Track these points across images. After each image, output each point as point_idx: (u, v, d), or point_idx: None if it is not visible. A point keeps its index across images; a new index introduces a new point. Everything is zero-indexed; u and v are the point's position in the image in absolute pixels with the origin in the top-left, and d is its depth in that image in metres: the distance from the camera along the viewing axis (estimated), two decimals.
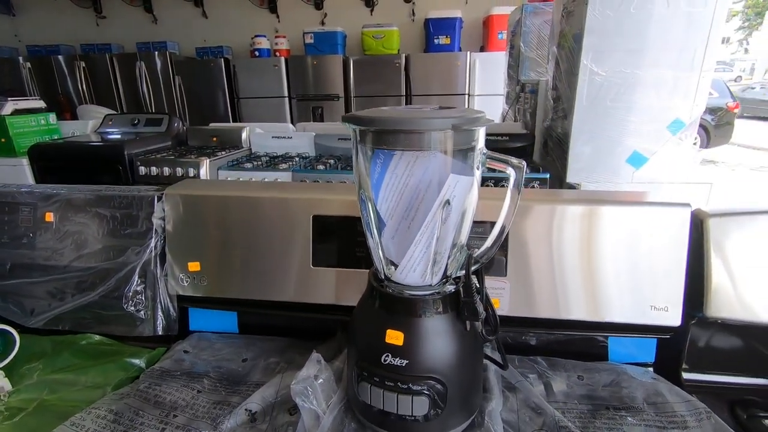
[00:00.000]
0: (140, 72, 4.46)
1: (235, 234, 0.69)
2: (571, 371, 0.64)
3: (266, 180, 2.35)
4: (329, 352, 0.67)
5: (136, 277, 0.68)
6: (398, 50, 4.74)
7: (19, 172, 2.40)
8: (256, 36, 4.60)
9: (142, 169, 2.40)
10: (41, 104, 2.61)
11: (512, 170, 0.44)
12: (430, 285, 0.49)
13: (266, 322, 0.75)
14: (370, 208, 0.47)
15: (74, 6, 4.93)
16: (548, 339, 0.69)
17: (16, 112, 2.42)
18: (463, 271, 0.48)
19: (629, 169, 1.70)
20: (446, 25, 4.75)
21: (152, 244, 0.68)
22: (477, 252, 0.48)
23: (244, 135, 2.83)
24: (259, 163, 2.50)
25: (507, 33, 3.69)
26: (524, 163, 0.43)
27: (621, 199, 0.62)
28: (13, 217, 0.73)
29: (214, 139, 2.84)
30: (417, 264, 0.47)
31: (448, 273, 0.49)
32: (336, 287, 0.68)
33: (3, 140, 2.38)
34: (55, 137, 2.64)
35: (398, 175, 0.44)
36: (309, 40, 4.64)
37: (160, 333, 0.69)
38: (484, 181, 2.17)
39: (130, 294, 0.68)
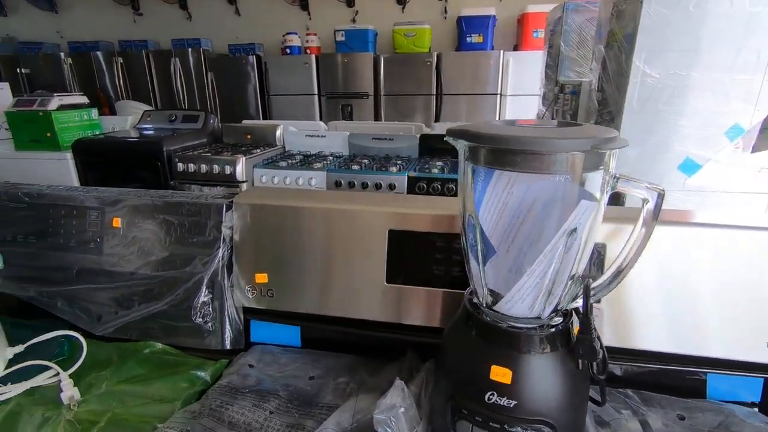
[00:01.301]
0: (175, 68, 4.53)
1: (306, 246, 0.66)
2: (668, 408, 0.59)
3: (300, 179, 2.34)
4: (399, 374, 0.64)
5: (203, 288, 0.66)
6: (429, 48, 4.68)
7: (63, 166, 2.45)
8: (287, 33, 4.62)
9: (180, 166, 2.42)
10: (84, 100, 2.66)
11: (649, 195, 0.39)
12: (539, 317, 0.45)
13: (330, 337, 0.72)
14: (477, 232, 0.43)
15: (113, 3, 5.05)
16: (637, 370, 0.63)
17: (61, 108, 2.48)
18: (575, 304, 0.43)
19: (679, 176, 1.61)
20: (479, 23, 4.66)
21: (220, 254, 0.66)
22: (593, 285, 0.43)
23: (278, 133, 2.83)
24: (294, 161, 2.49)
25: (545, 31, 3.58)
26: (663, 189, 0.38)
27: (736, 223, 0.56)
28: (81, 222, 0.72)
29: (249, 136, 2.85)
30: (527, 295, 0.43)
31: (559, 305, 0.45)
32: (410, 306, 0.65)
33: (48, 135, 2.44)
34: (97, 132, 2.69)
35: (516, 199, 0.40)
36: (340, 37, 4.62)
37: (227, 347, 0.67)
38: None
39: (198, 305, 0.66)
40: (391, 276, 0.64)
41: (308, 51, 4.68)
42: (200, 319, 0.66)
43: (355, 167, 2.42)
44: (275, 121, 3.04)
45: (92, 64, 4.57)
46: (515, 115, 4.43)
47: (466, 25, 4.55)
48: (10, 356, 0.65)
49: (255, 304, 0.68)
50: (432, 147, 2.64)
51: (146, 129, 2.83)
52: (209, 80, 4.55)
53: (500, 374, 0.43)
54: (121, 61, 4.54)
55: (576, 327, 0.45)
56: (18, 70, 4.60)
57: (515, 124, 0.44)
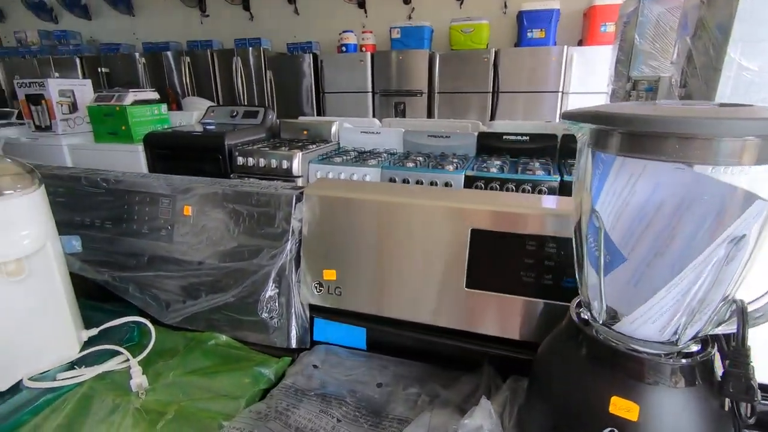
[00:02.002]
0: (236, 67, 4.71)
1: (378, 243, 0.61)
2: None
3: (355, 175, 2.32)
4: (477, 390, 0.57)
5: (271, 282, 0.63)
6: (487, 45, 4.53)
7: (135, 158, 2.60)
8: (343, 32, 4.66)
9: (240, 159, 2.49)
10: (155, 96, 2.81)
11: None
12: (672, 343, 0.37)
13: (399, 342, 0.67)
14: (601, 237, 0.36)
15: (183, 6, 5.34)
16: None
17: (135, 103, 2.63)
18: (723, 329, 0.35)
19: None
20: (541, 18, 4.45)
21: (288, 248, 0.63)
22: (752, 307, 0.35)
23: (333, 129, 2.84)
24: (348, 157, 2.48)
25: (617, 24, 3.33)
26: None
27: None
28: (154, 209, 0.72)
29: (305, 132, 2.88)
30: (662, 314, 0.35)
31: (700, 331, 0.37)
32: (490, 315, 0.58)
33: (123, 128, 2.60)
34: (166, 126, 2.83)
35: (658, 197, 0.32)
36: (395, 35, 4.59)
37: (293, 346, 0.64)
38: (563, 188, 1.94)
39: (265, 299, 0.63)
40: (471, 280, 0.58)
41: (363, 49, 4.69)
42: (266, 314, 0.63)
43: (410, 164, 2.37)
44: (331, 117, 3.05)
45: (162, 63, 4.86)
46: None
47: (527, 20, 4.36)
48: (85, 339, 0.66)
49: (321, 302, 0.65)
50: (490, 145, 2.53)
51: (209, 124, 2.94)
52: (268, 78, 4.69)
53: (624, 408, 0.35)
54: (188, 60, 4.79)
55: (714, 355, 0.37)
56: (99, 69, 4.99)
57: (655, 104, 0.36)
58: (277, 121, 2.98)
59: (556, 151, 2.39)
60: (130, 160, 2.60)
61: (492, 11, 4.78)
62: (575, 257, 0.41)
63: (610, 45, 3.90)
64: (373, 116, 4.60)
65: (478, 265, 0.57)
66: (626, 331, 0.38)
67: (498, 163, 2.25)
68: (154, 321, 0.70)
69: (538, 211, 0.54)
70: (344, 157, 2.49)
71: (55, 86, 2.70)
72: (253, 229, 0.66)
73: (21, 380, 0.58)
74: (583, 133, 0.36)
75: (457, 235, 0.57)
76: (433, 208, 0.58)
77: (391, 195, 0.61)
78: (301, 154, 2.43)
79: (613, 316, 0.39)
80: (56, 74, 4.87)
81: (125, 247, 0.74)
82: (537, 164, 2.18)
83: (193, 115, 3.05)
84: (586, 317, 0.41)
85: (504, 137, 2.49)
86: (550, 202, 0.56)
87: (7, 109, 3.54)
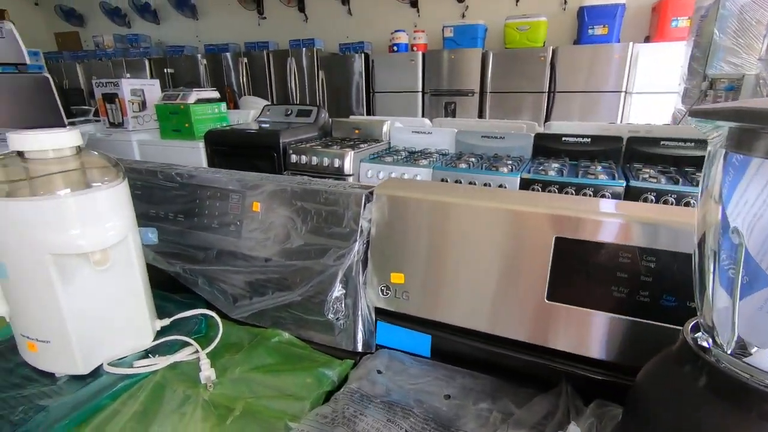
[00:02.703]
0: (290, 67, 4.84)
1: (451, 247, 0.58)
2: None
3: (406, 175, 2.30)
4: (552, 409, 0.53)
5: (338, 283, 0.62)
6: (544, 43, 4.35)
7: (196, 154, 2.73)
8: (395, 31, 4.65)
9: (294, 157, 2.54)
10: (216, 95, 2.93)
11: None
12: None
13: (466, 352, 0.63)
14: (741, 254, 0.31)
15: (242, 9, 5.56)
16: None
17: (198, 102, 2.76)
18: None
19: None
20: (605, 13, 4.21)
21: (356, 248, 0.62)
22: None
23: (384, 128, 2.84)
24: (399, 157, 2.46)
25: (693, 18, 3.08)
26: None
27: None
28: (224, 204, 0.73)
29: (356, 131, 2.90)
30: None
31: None
32: (572, 331, 0.53)
33: (186, 125, 2.73)
34: (224, 124, 2.95)
35: None
36: (448, 33, 4.52)
37: (359, 349, 0.62)
38: (640, 194, 1.80)
39: (332, 300, 0.62)
40: (553, 292, 0.53)
41: (415, 48, 4.67)
42: (332, 315, 0.62)
43: (463, 165, 2.31)
44: (382, 117, 3.05)
45: (222, 64, 5.09)
46: (642, 114, 3.92)
47: (588, 16, 4.15)
48: (158, 328, 0.68)
49: (386, 306, 0.63)
50: (548, 147, 2.42)
51: (265, 122, 3.03)
52: (320, 78, 4.78)
53: None
54: (246, 60, 4.99)
55: None
56: (165, 70, 5.31)
57: None
58: (330, 120, 3.02)
59: (620, 154, 2.24)
60: (191, 155, 2.73)
61: (550, 8, 4.59)
62: (696, 276, 0.36)
63: (682, 41, 3.62)
64: (423, 116, 4.56)
65: (561, 276, 0.53)
66: (758, 363, 0.32)
67: (556, 165, 2.14)
68: (220, 314, 0.71)
69: (635, 220, 0.49)
70: (395, 157, 2.48)
71: (127, 86, 2.89)
72: (320, 227, 0.65)
73: (101, 365, 0.61)
74: (719, 133, 0.31)
75: (540, 243, 0.53)
76: (513, 213, 0.54)
77: (467, 197, 0.58)
78: (352, 152, 2.44)
79: (741, 346, 0.34)
80: (127, 75, 5.23)
81: (196, 241, 0.76)
82: (599, 168, 2.06)
83: (250, 114, 3.16)
84: (704, 344, 0.36)
85: (563, 139, 2.38)
86: (649, 210, 0.50)
87: (86, 107, 3.84)
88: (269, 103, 3.74)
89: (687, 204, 1.74)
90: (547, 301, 0.54)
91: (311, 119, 2.94)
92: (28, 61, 2.06)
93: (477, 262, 0.57)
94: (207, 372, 0.61)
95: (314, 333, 0.65)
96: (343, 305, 0.62)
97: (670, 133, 2.22)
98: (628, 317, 0.50)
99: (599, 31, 4.22)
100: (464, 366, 0.63)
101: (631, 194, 1.85)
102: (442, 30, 4.49)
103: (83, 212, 0.55)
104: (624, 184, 1.87)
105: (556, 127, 2.57)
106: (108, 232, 0.56)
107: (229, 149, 2.66)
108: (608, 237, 0.50)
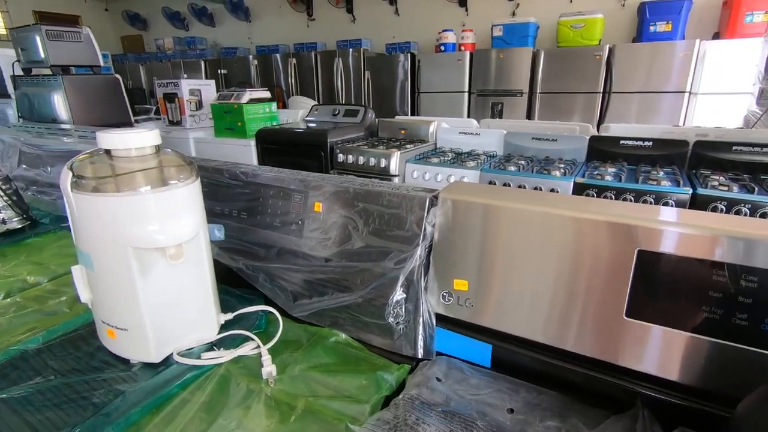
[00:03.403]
0: (337, 67, 4.91)
1: (519, 255, 0.56)
2: None
3: (452, 177, 2.27)
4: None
5: (399, 287, 0.61)
6: (599, 41, 4.16)
7: (247, 152, 2.83)
8: (443, 31, 4.61)
9: (340, 157, 2.57)
10: (267, 95, 3.02)
11: None
12: None
13: (529, 365, 0.61)
14: None
15: (292, 11, 5.72)
16: None
17: (251, 101, 2.86)
18: None
19: None
20: (669, 9, 3.96)
21: (419, 252, 0.61)
22: None
23: (431, 129, 2.81)
24: (446, 158, 2.43)
25: None
26: None
27: None
28: (287, 203, 0.75)
29: (402, 131, 2.89)
30: None
31: None
32: (652, 350, 0.50)
33: (239, 124, 2.84)
34: (274, 123, 3.04)
35: None
36: (497, 32, 4.42)
37: (420, 355, 0.62)
38: (708, 203, 1.66)
39: (392, 304, 0.62)
40: (633, 309, 0.50)
41: (462, 48, 4.60)
42: (392, 319, 0.62)
43: (512, 168, 2.25)
44: (429, 117, 3.02)
45: (272, 65, 5.25)
46: (709, 117, 3.65)
47: (650, 12, 3.91)
48: (222, 322, 0.70)
49: (447, 312, 0.61)
50: (604, 150, 2.31)
51: (312, 122, 3.09)
52: (366, 78, 4.82)
53: None
54: (294, 61, 5.12)
55: None
56: (218, 71, 5.55)
57: None
58: (376, 120, 3.04)
59: (685, 159, 2.10)
60: (243, 153, 2.83)
61: (607, 4, 4.38)
62: None
63: (757, 37, 3.33)
64: (468, 117, 4.49)
65: (643, 292, 0.49)
66: None
67: (613, 170, 2.04)
68: (280, 311, 0.73)
69: (732, 234, 0.45)
70: (441, 158, 2.45)
71: (186, 86, 3.04)
72: (382, 230, 0.65)
73: (171, 354, 0.64)
74: None
75: (619, 256, 0.50)
76: (590, 223, 0.51)
77: (539, 204, 0.55)
78: (398, 153, 2.44)
79: None
80: (185, 75, 5.51)
81: (258, 238, 0.78)
82: (661, 173, 1.93)
83: (299, 113, 3.23)
84: None
85: (621, 142, 2.26)
86: (749, 224, 0.46)
87: (147, 106, 4.08)
88: (317, 103, 3.81)
89: (764, 215, 1.60)
90: (626, 318, 0.50)
91: (358, 119, 2.97)
92: (102, 64, 2.21)
93: (547, 272, 0.54)
94: (269, 368, 0.62)
95: (373, 336, 0.65)
96: (403, 310, 0.62)
97: (744, 137, 2.05)
98: (721, 341, 0.46)
99: (662, 27, 3.97)
100: (526, 379, 0.61)
101: (698, 203, 1.73)
102: (491, 29, 4.39)
103: (162, 208, 0.57)
104: (690, 192, 1.74)
105: (615, 129, 2.45)
106: (183, 228, 0.59)
107: (279, 147, 2.73)
108: (700, 252, 0.46)
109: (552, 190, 2.01)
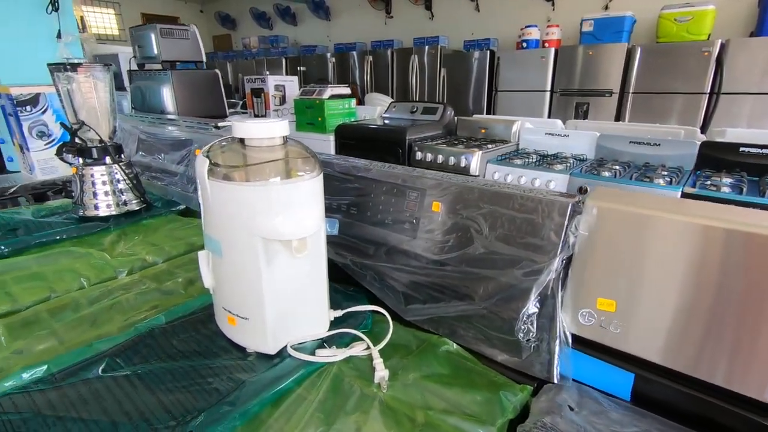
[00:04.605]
0: (412, 64, 4.88)
1: (680, 276, 0.47)
2: None
3: (537, 180, 2.13)
4: None
5: (531, 300, 0.56)
6: (708, 35, 3.72)
7: (326, 146, 2.88)
8: (526, 26, 4.39)
9: (419, 154, 2.53)
10: (347, 91, 3.06)
11: None
12: None
13: (682, 402, 0.52)
14: None
15: (371, 9, 5.77)
16: None
17: (332, 97, 2.91)
18: None
19: None
20: None
21: (556, 264, 0.54)
22: None
23: (514, 129, 2.68)
24: (530, 160, 2.30)
25: None
26: None
27: None
28: (400, 200, 0.72)
29: (483, 131, 2.79)
30: None
31: None
32: None
33: (320, 119, 2.90)
34: (352, 119, 3.07)
35: None
36: (587, 27, 4.13)
37: (555, 380, 0.55)
38: None
39: (523, 319, 0.56)
40: None
41: (546, 44, 4.35)
42: (522, 335, 0.56)
43: (606, 174, 2.06)
44: (512, 117, 2.89)
45: (349, 62, 5.34)
46: None
47: None
48: (332, 318, 0.69)
49: (585, 333, 0.54)
50: (717, 158, 2.04)
51: (389, 118, 3.09)
52: (441, 75, 4.73)
53: None
54: (371, 59, 5.16)
55: None
56: (298, 68, 5.77)
57: None
58: (455, 118, 2.96)
59: None
60: (322, 147, 2.89)
61: None
62: None
63: None
64: (549, 117, 4.25)
65: None
66: None
67: (730, 180, 1.79)
68: (388, 312, 0.70)
69: None
70: (525, 159, 2.32)
71: (272, 82, 3.17)
72: (511, 236, 0.59)
73: (285, 347, 0.63)
74: None
75: None
76: None
77: (711, 218, 0.46)
78: (480, 153, 2.34)
79: None
80: (267, 72, 5.79)
81: (367, 235, 0.76)
82: None
83: (376, 110, 3.24)
84: None
85: (741, 149, 1.98)
86: None
87: (234, 101, 4.34)
88: (393, 99, 3.81)
89: None
90: None
91: (437, 117, 2.91)
92: (204, 60, 2.38)
93: (714, 297, 0.45)
94: (381, 372, 0.59)
95: (497, 351, 0.60)
96: (535, 326, 0.56)
97: None
98: None
99: None
100: (675, 418, 0.52)
101: None
102: (580, 24, 4.11)
103: (291, 200, 0.56)
104: None
105: (732, 134, 2.16)
106: (308, 221, 0.58)
107: (357, 143, 2.75)
108: None
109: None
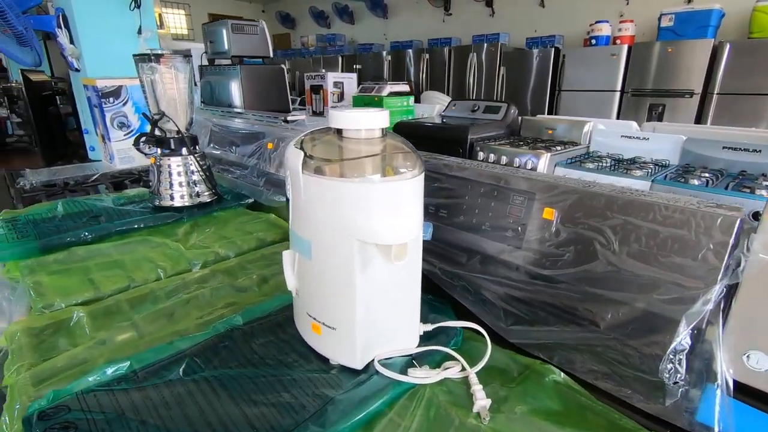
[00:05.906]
0: (470, 62, 4.73)
1: None
2: None
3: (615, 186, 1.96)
4: None
5: (680, 334, 0.46)
6: None
7: None
8: (596, 22, 4.11)
9: (480, 154, 2.42)
10: (406, 89, 3.00)
11: None
12: None
13: None
14: None
15: (429, 6, 5.67)
16: None
17: (391, 94, 2.86)
18: None
19: None
20: None
21: (716, 292, 0.44)
22: None
23: (585, 130, 2.49)
24: (603, 164, 2.11)
25: None
26: None
27: None
28: (502, 205, 0.64)
29: (549, 131, 2.62)
30: None
31: None
32: None
33: None
34: (410, 117, 3.00)
35: None
36: (667, 22, 3.79)
37: None
38: None
39: (669, 356, 0.46)
40: None
41: (618, 41, 4.05)
42: (666, 375, 0.46)
43: (695, 182, 1.85)
44: (583, 117, 2.70)
45: (404, 60, 5.28)
46: None
47: None
48: (421, 333, 0.62)
49: (756, 383, 0.44)
50: None
51: (448, 117, 2.99)
52: (500, 74, 4.55)
53: None
54: (427, 57, 5.07)
55: None
56: (353, 66, 5.78)
57: None
58: (519, 118, 2.81)
59: None
60: None
61: None
62: None
63: None
64: (618, 118, 3.95)
65: None
66: None
67: None
68: (487, 330, 0.62)
69: None
70: (598, 163, 2.14)
71: (331, 78, 3.17)
72: (650, 253, 0.49)
73: (372, 361, 0.57)
74: None
75: None
76: None
77: None
78: (548, 155, 2.19)
79: None
80: (323, 70, 5.86)
81: (459, 241, 0.68)
82: None
83: (434, 108, 3.16)
84: None
85: None
86: None
87: (292, 97, 4.41)
88: (450, 98, 3.69)
89: None
90: None
91: (499, 116, 2.77)
92: (272, 55, 2.40)
93: None
94: (482, 402, 0.52)
95: (631, 392, 0.50)
96: (684, 367, 0.46)
97: None
98: None
99: None
100: None
101: None
102: (659, 18, 3.78)
103: (392, 200, 0.50)
104: None
105: None
106: (409, 225, 0.51)
107: (416, 141, 2.66)
108: None
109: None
